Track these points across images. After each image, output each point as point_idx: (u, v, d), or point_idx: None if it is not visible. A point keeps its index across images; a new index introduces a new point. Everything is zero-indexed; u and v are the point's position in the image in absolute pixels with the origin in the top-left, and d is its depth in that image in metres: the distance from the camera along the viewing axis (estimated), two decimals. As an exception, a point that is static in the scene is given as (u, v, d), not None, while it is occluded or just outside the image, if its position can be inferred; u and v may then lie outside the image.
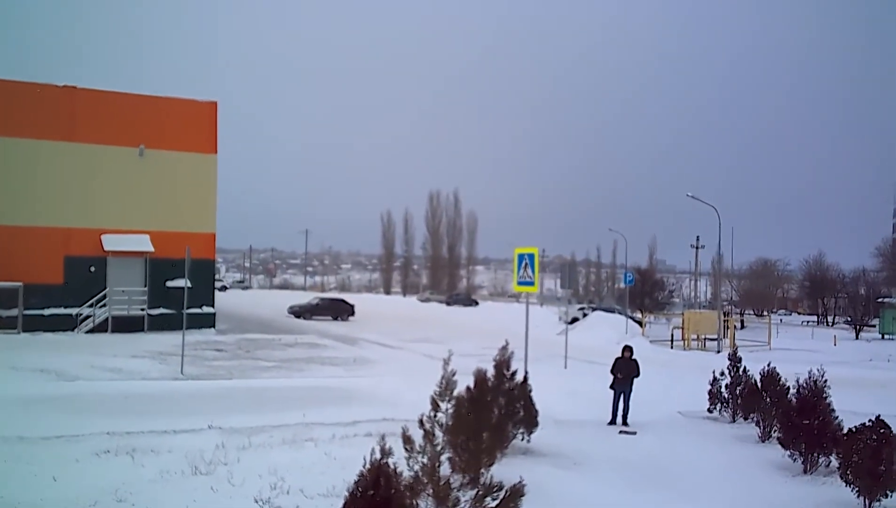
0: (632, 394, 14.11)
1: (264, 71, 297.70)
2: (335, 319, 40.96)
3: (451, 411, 7.29)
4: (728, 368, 15.27)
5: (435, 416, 6.97)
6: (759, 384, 13.72)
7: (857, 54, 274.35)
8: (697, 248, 57.26)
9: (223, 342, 26.32)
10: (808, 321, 73.66)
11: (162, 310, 29.09)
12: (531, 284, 13.49)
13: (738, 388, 15.01)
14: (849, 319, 73.88)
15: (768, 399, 13.21)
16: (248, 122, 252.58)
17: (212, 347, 24.64)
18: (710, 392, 15.36)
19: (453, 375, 7.22)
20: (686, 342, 32.98)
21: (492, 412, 9.85)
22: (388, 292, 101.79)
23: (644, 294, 57.44)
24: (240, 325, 33.36)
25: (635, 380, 14.18)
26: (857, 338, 50.29)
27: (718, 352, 31.19)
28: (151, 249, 28.50)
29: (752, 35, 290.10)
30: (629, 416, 14.09)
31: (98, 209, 28.42)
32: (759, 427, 13.17)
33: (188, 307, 29.68)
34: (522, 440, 11.43)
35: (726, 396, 15.17)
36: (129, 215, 28.83)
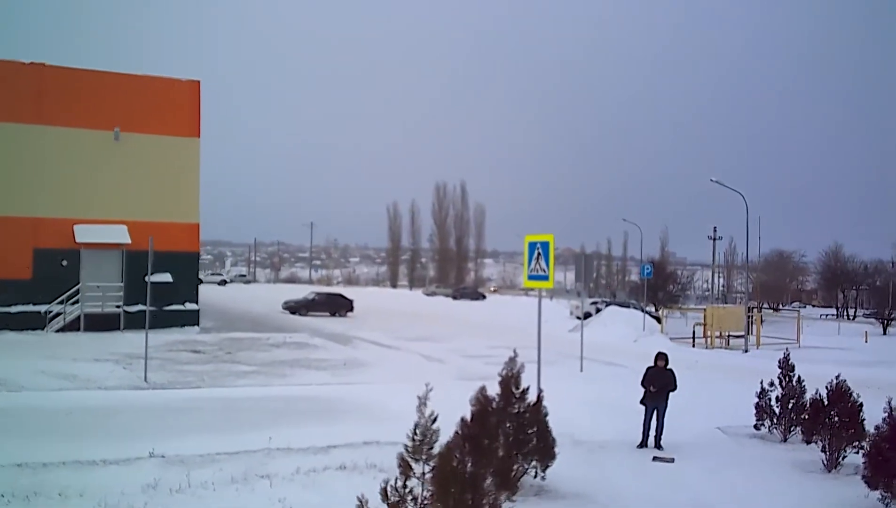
0: (667, 411, 11.70)
1: (271, 64, 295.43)
2: (333, 315, 38.66)
3: (431, 473, 4.84)
4: (779, 376, 12.85)
5: (405, 485, 4.54)
6: (824, 399, 11.26)
7: (877, 41, 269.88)
8: (715, 239, 54.73)
9: (204, 342, 24.04)
10: (826, 315, 70.90)
11: (140, 307, 26.75)
12: (545, 278, 11.09)
13: (792, 401, 12.62)
14: (871, 312, 71.13)
15: (837, 419, 10.79)
16: (255, 115, 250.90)
17: (190, 348, 22.37)
18: (757, 406, 12.93)
19: (433, 421, 4.78)
20: (710, 340, 30.51)
21: (496, 451, 7.48)
22: (394, 285, 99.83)
23: (657, 287, 54.89)
24: (228, 322, 31.08)
25: (671, 394, 11.76)
26: (884, 333, 47.64)
27: (746, 351, 28.74)
28: (128, 240, 26.18)
29: (758, 26, 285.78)
30: (663, 436, 11.69)
31: (70, 198, 26.12)
32: (826, 453, 10.74)
33: (169, 304, 27.67)
34: (535, 476, 9.04)
35: (777, 410, 12.75)
36: (104, 203, 26.51)
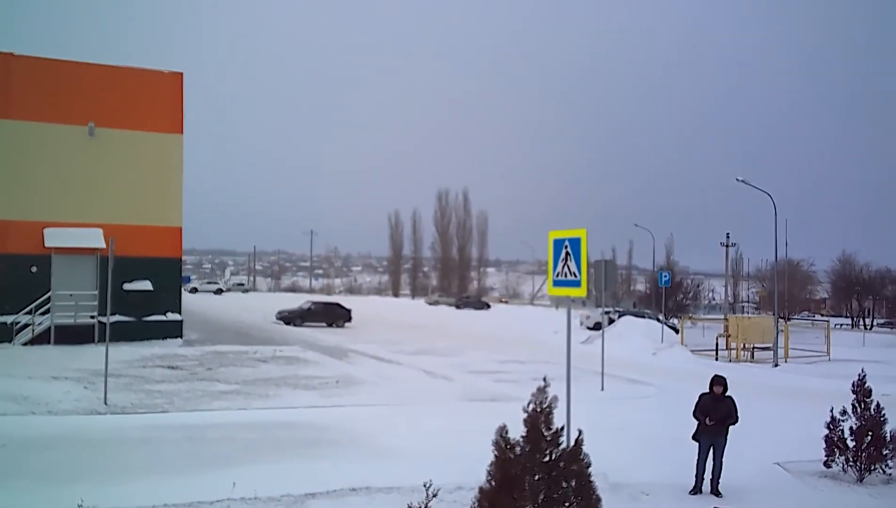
0: (725, 448, 9.49)
1: (270, 71, 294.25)
2: (330, 325, 36.45)
3: None
4: (853, 403, 10.66)
5: None
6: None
7: (886, 45, 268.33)
8: (728, 246, 52.42)
9: (184, 356, 21.86)
10: (840, 325, 68.58)
11: (118, 317, 24.55)
12: (576, 284, 8.89)
13: (870, 433, 10.43)
14: (885, 321, 68.85)
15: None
16: (258, 123, 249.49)
17: (167, 363, 20.19)
18: (828, 439, 10.70)
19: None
20: (736, 353, 28.26)
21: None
22: (396, 294, 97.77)
23: (667, 296, 52.73)
24: (216, 334, 28.86)
25: (731, 428, 9.56)
26: (910, 344, 45.29)
27: (775, 365, 26.48)
28: (103, 245, 23.96)
29: (767, 35, 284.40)
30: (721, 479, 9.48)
31: (40, 199, 24.01)
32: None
33: (149, 314, 25.48)
34: (574, 545, 6.78)
35: (851, 444, 10.53)
36: (78, 205, 24.39)
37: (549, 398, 6.78)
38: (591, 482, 6.82)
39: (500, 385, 18.49)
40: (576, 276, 8.83)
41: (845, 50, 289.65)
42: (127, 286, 24.79)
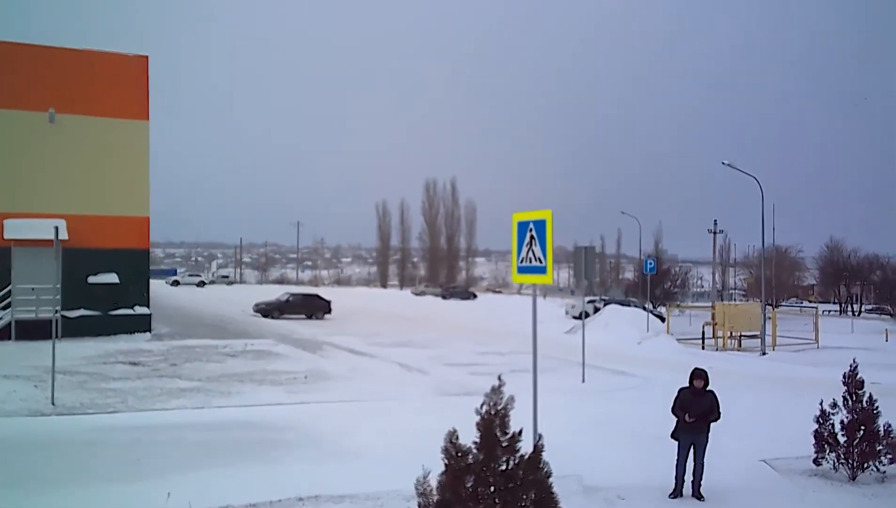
0: (707, 447, 8.75)
1: (254, 62, 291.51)
2: (309, 317, 35.55)
3: None
4: (844, 395, 9.96)
5: None
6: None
7: (877, 32, 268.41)
8: (715, 233, 51.76)
9: (150, 351, 20.97)
10: (829, 311, 68.34)
11: (82, 312, 23.70)
12: (541, 270, 8.11)
13: (863, 428, 9.74)
14: (874, 307, 68.60)
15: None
16: (250, 116, 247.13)
17: (130, 359, 19.31)
18: (817, 434, 9.99)
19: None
20: (723, 341, 27.62)
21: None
22: (384, 285, 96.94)
23: (654, 285, 52.18)
24: (189, 328, 27.91)
25: (713, 425, 8.83)
26: (899, 330, 44.90)
27: (763, 353, 25.88)
28: (66, 236, 23.01)
29: (755, 27, 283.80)
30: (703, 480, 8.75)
31: (-2, 189, 23.04)
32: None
33: (115, 308, 24.53)
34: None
35: (843, 440, 9.83)
36: (39, 195, 23.38)
37: (504, 399, 6.01)
38: (552, 494, 6.05)
39: (477, 378, 17.72)
40: (541, 262, 8.03)
41: (837, 38, 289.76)
42: (92, 279, 23.88)
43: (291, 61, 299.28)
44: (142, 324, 24.55)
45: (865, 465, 9.67)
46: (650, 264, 31.48)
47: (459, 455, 5.83)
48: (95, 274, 23.76)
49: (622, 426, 12.85)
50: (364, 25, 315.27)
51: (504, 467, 5.91)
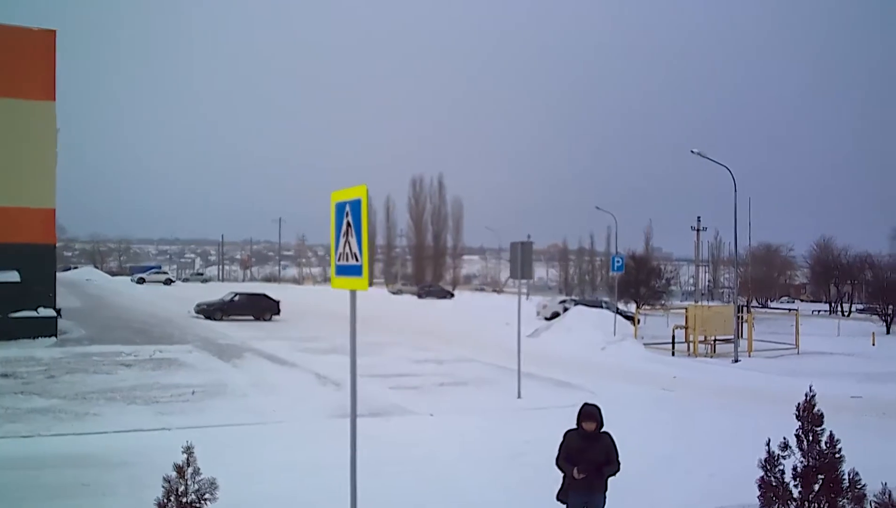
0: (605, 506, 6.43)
1: (238, 59, 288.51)
2: (256, 319, 33.14)
3: None
4: (797, 433, 7.63)
5: None
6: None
7: (876, 38, 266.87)
8: (699, 230, 49.53)
9: (37, 360, 18.61)
10: (818, 311, 66.16)
11: (-24, 314, 21.27)
12: (357, 272, 5.79)
13: (821, 478, 7.41)
14: (865, 306, 66.36)
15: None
16: (244, 112, 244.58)
17: (4, 370, 16.91)
18: (762, 483, 7.64)
19: None
20: (693, 346, 25.32)
21: None
22: (370, 283, 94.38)
23: (639, 283, 49.90)
24: (108, 331, 25.35)
25: (611, 478, 6.52)
26: (888, 332, 42.74)
27: (736, 361, 23.60)
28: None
29: (746, 22, 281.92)
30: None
31: None
32: None
33: (16, 310, 22.01)
34: None
35: (796, 492, 7.50)
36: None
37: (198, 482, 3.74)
38: None
39: (395, 394, 15.42)
40: (357, 260, 5.68)
41: (837, 38, 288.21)
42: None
43: (289, 64, 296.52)
44: (47, 328, 22.14)
45: (822, 526, 7.34)
46: (618, 261, 29.15)
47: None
48: (-8, 272, 21.36)
49: (538, 459, 10.48)
50: (354, 25, 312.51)
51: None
